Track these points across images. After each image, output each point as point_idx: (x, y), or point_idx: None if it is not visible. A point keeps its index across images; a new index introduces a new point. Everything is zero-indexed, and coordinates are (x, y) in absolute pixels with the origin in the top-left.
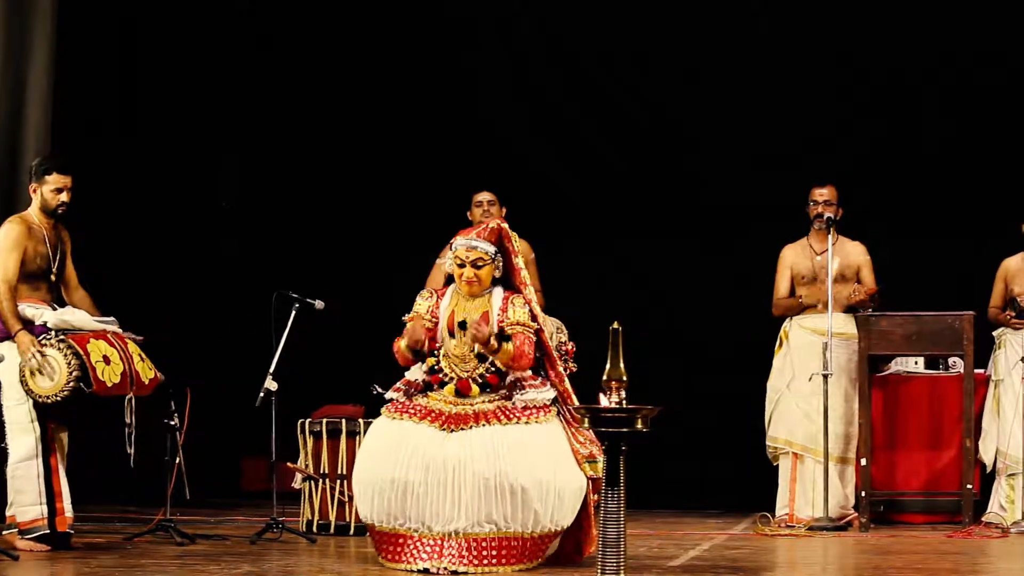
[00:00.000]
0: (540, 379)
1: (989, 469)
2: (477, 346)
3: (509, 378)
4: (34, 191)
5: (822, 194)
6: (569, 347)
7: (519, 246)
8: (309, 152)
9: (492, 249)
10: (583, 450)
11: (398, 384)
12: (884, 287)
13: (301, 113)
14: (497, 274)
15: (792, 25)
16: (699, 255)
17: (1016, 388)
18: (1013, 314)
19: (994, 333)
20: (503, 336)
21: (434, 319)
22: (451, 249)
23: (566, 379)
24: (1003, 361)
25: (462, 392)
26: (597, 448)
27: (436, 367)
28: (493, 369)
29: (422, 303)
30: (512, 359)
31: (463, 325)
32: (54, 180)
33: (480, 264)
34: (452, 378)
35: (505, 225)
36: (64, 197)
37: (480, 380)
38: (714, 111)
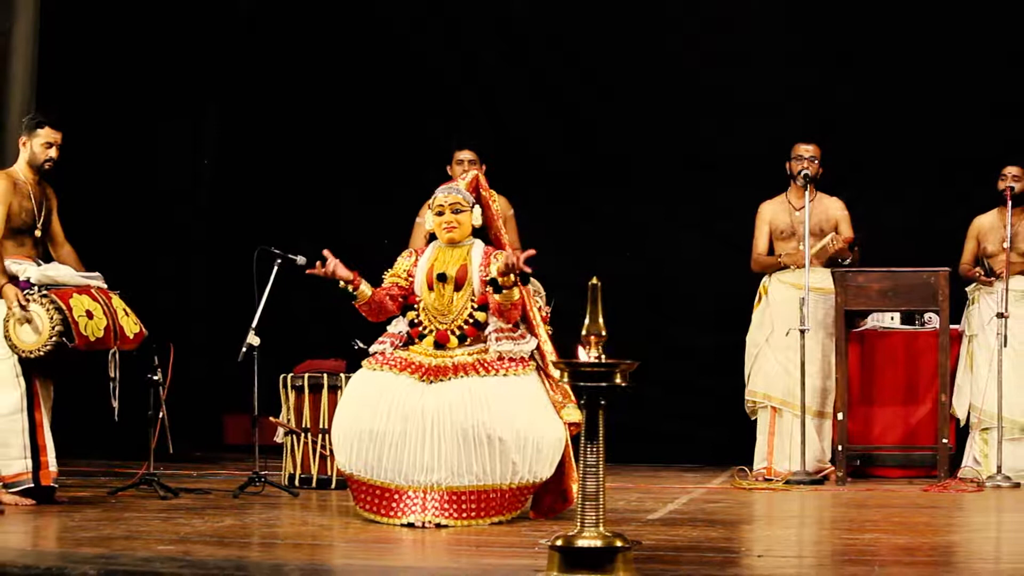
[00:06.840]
0: (519, 331)
1: (963, 424)
2: (495, 270)
3: (488, 329)
4: (24, 144)
5: (808, 150)
6: (544, 313)
7: (498, 203)
8: (291, 107)
9: (471, 197)
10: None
11: (381, 337)
12: (859, 237)
13: (283, 68)
14: (476, 223)
15: None
16: (679, 208)
17: (991, 344)
18: (981, 272)
19: (967, 289)
20: (517, 281)
21: (411, 277)
22: (429, 207)
23: (545, 340)
24: (976, 317)
25: (440, 343)
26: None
27: (416, 320)
28: (472, 321)
29: (401, 262)
30: (513, 305)
31: (442, 277)
32: (45, 134)
33: (459, 209)
34: (431, 330)
35: (482, 176)
36: (52, 153)
37: (458, 332)
38: (689, 61)
